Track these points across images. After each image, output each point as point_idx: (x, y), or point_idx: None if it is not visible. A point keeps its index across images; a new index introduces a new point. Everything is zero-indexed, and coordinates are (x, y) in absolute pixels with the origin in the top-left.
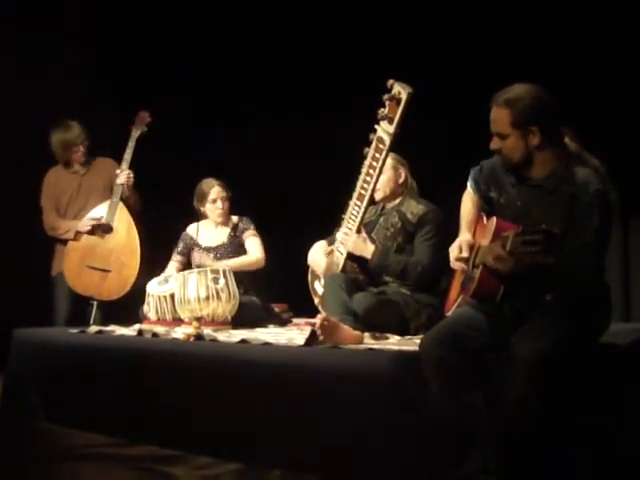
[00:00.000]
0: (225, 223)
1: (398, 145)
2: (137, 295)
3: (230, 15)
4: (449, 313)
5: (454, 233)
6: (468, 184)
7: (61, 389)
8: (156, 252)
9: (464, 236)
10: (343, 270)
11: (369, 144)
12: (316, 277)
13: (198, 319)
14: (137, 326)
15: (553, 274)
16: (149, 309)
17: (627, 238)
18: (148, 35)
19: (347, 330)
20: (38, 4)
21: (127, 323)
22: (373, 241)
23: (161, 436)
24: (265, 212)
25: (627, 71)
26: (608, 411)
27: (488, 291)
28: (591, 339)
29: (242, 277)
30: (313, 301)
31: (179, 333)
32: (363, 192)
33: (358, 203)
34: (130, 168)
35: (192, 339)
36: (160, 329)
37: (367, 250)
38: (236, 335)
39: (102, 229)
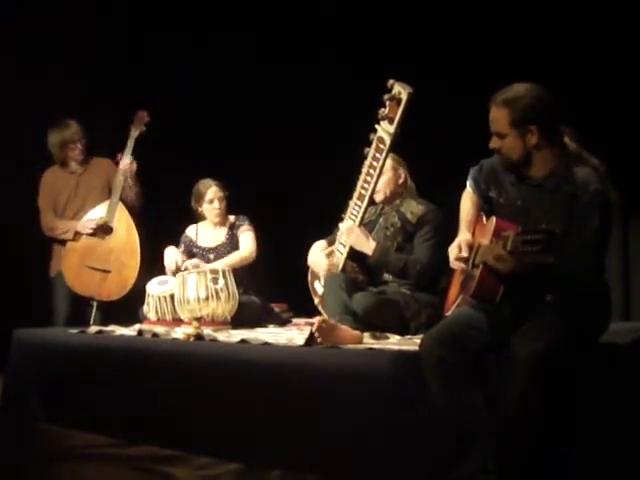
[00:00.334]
0: (223, 223)
1: (398, 145)
2: (137, 295)
3: (230, 15)
4: (449, 313)
5: (453, 233)
6: (467, 183)
7: (61, 389)
8: (156, 252)
9: (463, 236)
10: (343, 270)
11: (369, 144)
12: (316, 277)
13: (198, 319)
14: (137, 326)
15: (553, 274)
16: (149, 309)
17: (627, 238)
18: (148, 35)
19: (346, 330)
20: (38, 4)
21: (127, 323)
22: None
23: (161, 436)
24: (265, 212)
25: (627, 71)
26: (608, 411)
27: (488, 291)
28: (591, 339)
29: (242, 277)
30: (313, 301)
31: (179, 333)
32: (363, 192)
33: (358, 203)
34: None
35: (192, 339)
36: (160, 329)
37: (368, 246)
38: (236, 335)
39: (102, 230)
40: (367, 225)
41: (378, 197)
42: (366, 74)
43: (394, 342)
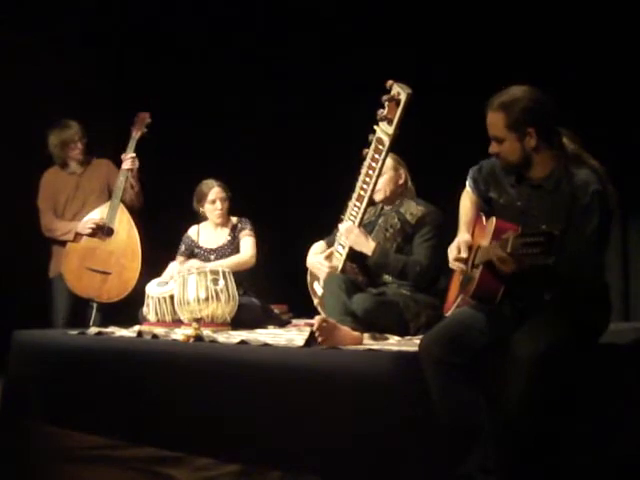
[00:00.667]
0: (225, 224)
1: (397, 146)
2: (137, 297)
3: (230, 15)
4: (448, 313)
5: (453, 234)
6: (467, 184)
7: (61, 391)
8: (156, 254)
9: (463, 236)
10: (342, 271)
11: (368, 145)
12: (315, 278)
13: (198, 320)
14: (137, 327)
15: (553, 275)
16: (148, 311)
17: (627, 238)
18: (148, 35)
19: (346, 331)
20: (38, 4)
21: (127, 325)
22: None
23: (160, 437)
24: (265, 212)
25: (627, 71)
26: (608, 411)
27: (488, 291)
28: (591, 339)
29: (242, 278)
30: (312, 302)
31: (179, 334)
32: (362, 193)
33: (357, 204)
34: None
35: (192, 340)
36: (160, 330)
37: (368, 246)
38: (235, 336)
39: (103, 232)
40: (366, 226)
41: (378, 196)
42: (365, 74)
43: (394, 343)
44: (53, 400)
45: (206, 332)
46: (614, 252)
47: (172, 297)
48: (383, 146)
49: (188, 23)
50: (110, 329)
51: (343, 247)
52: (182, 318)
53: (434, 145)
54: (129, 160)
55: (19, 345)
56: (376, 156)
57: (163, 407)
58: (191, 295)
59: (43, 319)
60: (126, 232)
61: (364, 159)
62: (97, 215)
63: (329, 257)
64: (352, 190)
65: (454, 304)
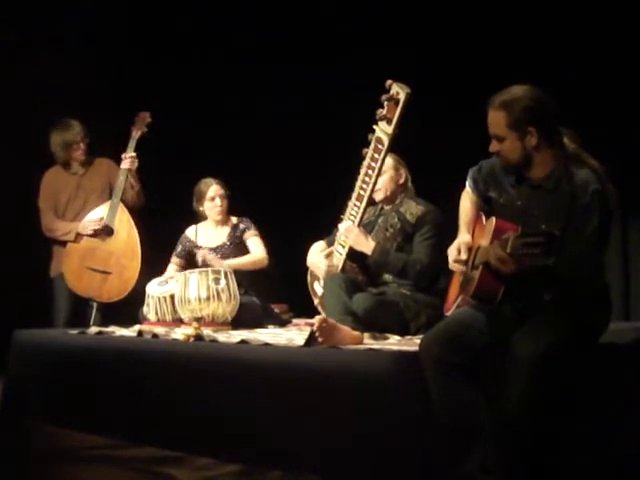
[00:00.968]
0: (224, 222)
1: (397, 145)
2: (137, 296)
3: (230, 15)
4: (448, 313)
5: (453, 234)
6: (467, 184)
7: (61, 390)
8: (156, 254)
9: (463, 237)
10: (342, 270)
11: (368, 145)
12: (315, 278)
13: (198, 320)
14: (137, 327)
15: (553, 275)
16: (149, 310)
17: (627, 238)
18: (148, 35)
19: (346, 331)
20: (38, 4)
21: (127, 324)
22: None
23: (161, 437)
24: (265, 212)
25: (627, 71)
26: (608, 411)
27: (488, 292)
28: (591, 339)
29: (242, 278)
30: (313, 302)
31: (179, 334)
32: (362, 192)
33: (357, 204)
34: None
35: (192, 340)
36: (160, 330)
37: (368, 246)
38: (236, 336)
39: (103, 232)
40: (366, 226)
41: (378, 196)
42: (364, 74)
43: (394, 343)
44: (53, 400)
45: (206, 331)
46: (614, 252)
47: (172, 297)
48: (382, 145)
49: (188, 23)
50: (110, 329)
51: (343, 247)
52: (183, 317)
53: (434, 145)
54: (129, 160)
55: (19, 345)
56: (375, 156)
57: (163, 407)
58: (192, 294)
59: (43, 319)
60: (126, 232)
61: (364, 159)
62: (97, 215)
63: (329, 256)
64: (352, 190)
65: (454, 304)
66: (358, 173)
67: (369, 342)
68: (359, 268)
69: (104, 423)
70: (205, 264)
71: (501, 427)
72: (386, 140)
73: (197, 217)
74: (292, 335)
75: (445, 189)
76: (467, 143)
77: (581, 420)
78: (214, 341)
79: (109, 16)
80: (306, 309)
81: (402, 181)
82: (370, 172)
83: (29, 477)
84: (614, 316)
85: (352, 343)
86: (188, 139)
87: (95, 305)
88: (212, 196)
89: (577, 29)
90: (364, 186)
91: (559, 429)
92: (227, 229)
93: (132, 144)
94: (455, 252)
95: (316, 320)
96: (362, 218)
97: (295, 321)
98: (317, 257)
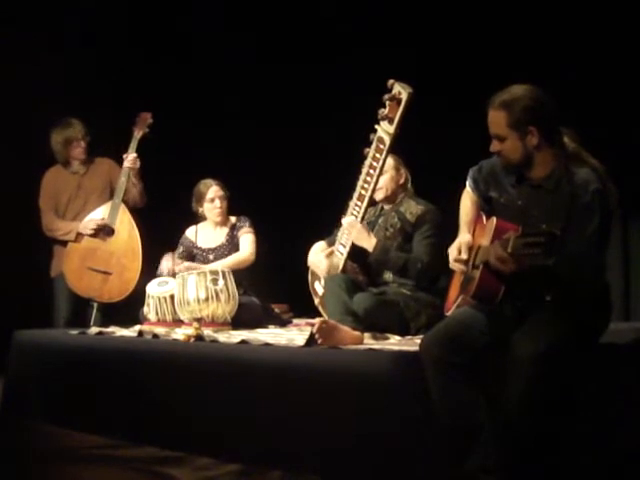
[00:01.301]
0: (223, 223)
1: (397, 145)
2: (137, 296)
3: (230, 15)
4: (449, 313)
5: (453, 234)
6: (467, 184)
7: (61, 390)
8: (157, 254)
9: (463, 237)
10: (343, 270)
11: (369, 144)
12: (316, 278)
13: (198, 320)
14: (137, 327)
15: (553, 275)
16: (149, 310)
17: (627, 238)
18: (148, 35)
19: (346, 331)
20: (38, 4)
21: (127, 324)
22: None
23: (161, 437)
24: (265, 212)
25: (627, 71)
26: (608, 411)
27: (488, 292)
28: (591, 339)
29: (242, 278)
30: (313, 302)
31: (179, 334)
32: (363, 192)
33: (358, 203)
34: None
35: (192, 340)
36: (160, 330)
37: (369, 242)
38: (236, 336)
39: (104, 232)
40: (367, 226)
41: (379, 195)
42: (366, 74)
43: (394, 343)
44: (53, 400)
45: (207, 332)
46: (614, 252)
47: (173, 297)
48: (384, 145)
49: (188, 23)
50: (111, 329)
51: (344, 246)
52: (182, 318)
53: (434, 145)
54: (131, 160)
55: (19, 345)
56: (377, 155)
57: (163, 407)
58: (191, 295)
59: (43, 319)
60: (127, 232)
61: (365, 158)
62: (98, 215)
63: (330, 256)
64: (352, 189)
65: (454, 304)
66: (359, 173)
67: (369, 342)
68: (360, 268)
69: (104, 423)
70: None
71: (501, 427)
72: (388, 140)
73: (196, 218)
74: (292, 335)
75: (445, 189)
76: (467, 143)
77: (581, 420)
78: (214, 341)
79: (109, 16)
80: (307, 309)
81: (403, 181)
82: (372, 172)
83: (29, 477)
84: (614, 316)
85: (352, 343)
86: (188, 139)
87: (95, 305)
88: (212, 197)
89: (577, 29)
90: (365, 185)
91: (559, 429)
92: (226, 230)
93: (134, 144)
94: (455, 252)
95: (316, 321)
96: (363, 217)
97: (295, 321)
98: (318, 257)
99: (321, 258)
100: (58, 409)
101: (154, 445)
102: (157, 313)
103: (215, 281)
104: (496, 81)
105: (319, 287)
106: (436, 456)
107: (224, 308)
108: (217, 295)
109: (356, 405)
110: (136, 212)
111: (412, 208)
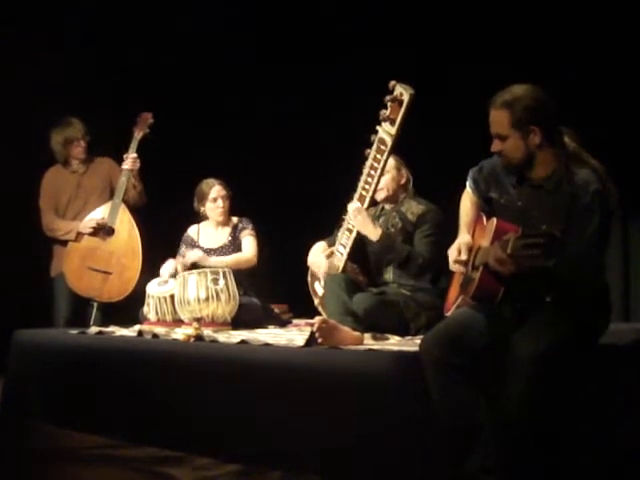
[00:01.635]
0: (225, 223)
1: (397, 145)
2: (137, 296)
3: (230, 15)
4: (448, 314)
5: (453, 234)
6: (467, 184)
7: (61, 390)
8: (157, 253)
9: (463, 238)
10: (343, 271)
11: (370, 145)
12: (316, 278)
13: (198, 320)
14: (137, 327)
15: (553, 275)
16: (149, 310)
17: (627, 238)
18: (149, 35)
19: (346, 331)
20: (38, 4)
21: (127, 324)
22: None
23: (161, 437)
24: (265, 212)
25: (627, 71)
26: (608, 411)
27: (488, 292)
28: (591, 339)
29: (242, 278)
30: (313, 302)
31: (179, 334)
32: (364, 193)
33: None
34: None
35: (192, 340)
36: (160, 330)
37: (373, 231)
38: (236, 336)
39: (104, 232)
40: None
41: (380, 195)
42: (367, 74)
43: (394, 343)
44: (53, 400)
45: (207, 332)
46: (614, 252)
47: (172, 297)
48: (385, 146)
49: (188, 23)
50: (111, 328)
51: (344, 247)
52: (182, 318)
53: (434, 145)
54: (131, 160)
55: (19, 345)
56: (378, 156)
57: (163, 407)
58: (191, 295)
59: (43, 319)
60: (127, 232)
61: (366, 159)
62: (99, 214)
63: (330, 256)
64: (353, 190)
65: (454, 304)
66: (359, 173)
67: (369, 342)
68: (360, 269)
69: (104, 423)
70: (195, 264)
71: (501, 427)
72: (389, 141)
73: (198, 217)
74: (292, 335)
75: (445, 189)
76: (467, 143)
77: (581, 420)
78: (214, 341)
79: (109, 16)
80: (306, 309)
81: (404, 181)
82: (373, 173)
83: (29, 477)
84: (614, 316)
85: (352, 343)
86: (188, 139)
87: (95, 305)
88: (214, 197)
89: (577, 29)
90: (366, 187)
91: (559, 429)
92: (228, 229)
93: (134, 145)
94: (455, 252)
95: (316, 320)
96: None
97: (295, 321)
98: (318, 257)
99: (321, 258)
100: (58, 409)
101: (154, 445)
102: (157, 313)
103: (216, 281)
104: (496, 81)
105: (319, 287)
106: (436, 456)
107: (224, 308)
108: (217, 295)
109: (356, 405)
110: (136, 212)
111: (413, 208)
